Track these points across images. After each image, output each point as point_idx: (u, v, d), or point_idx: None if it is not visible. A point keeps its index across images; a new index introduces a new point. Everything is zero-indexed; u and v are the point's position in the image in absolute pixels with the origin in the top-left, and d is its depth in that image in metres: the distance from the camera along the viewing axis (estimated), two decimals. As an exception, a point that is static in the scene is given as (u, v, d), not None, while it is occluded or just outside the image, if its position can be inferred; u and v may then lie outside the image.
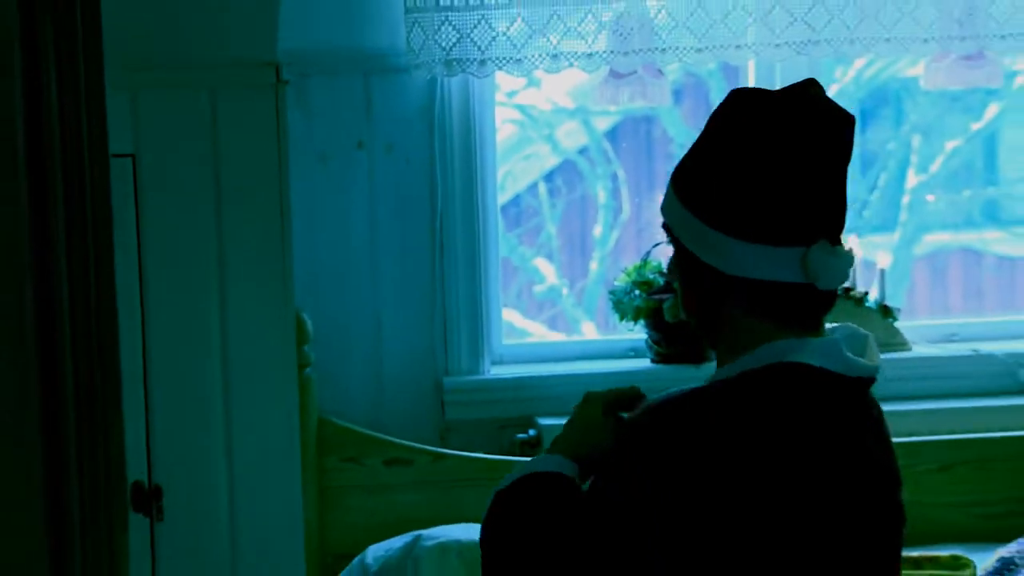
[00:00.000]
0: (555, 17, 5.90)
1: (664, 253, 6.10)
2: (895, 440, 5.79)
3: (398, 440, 6.25)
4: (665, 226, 3.54)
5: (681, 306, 3.64)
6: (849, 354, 3.40)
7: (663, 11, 5.95)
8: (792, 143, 3.40)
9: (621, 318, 6.24)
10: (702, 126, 5.67)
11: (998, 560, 5.31)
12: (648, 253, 6.27)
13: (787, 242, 3.35)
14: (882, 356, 5.84)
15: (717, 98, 6.34)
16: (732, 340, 3.48)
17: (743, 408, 3.37)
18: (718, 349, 3.57)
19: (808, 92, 3.45)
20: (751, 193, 3.39)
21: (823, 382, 3.38)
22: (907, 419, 6.11)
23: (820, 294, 3.37)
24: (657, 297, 6.08)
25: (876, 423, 3.61)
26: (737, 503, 3.23)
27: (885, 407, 5.96)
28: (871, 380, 3.47)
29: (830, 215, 3.39)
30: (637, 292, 6.08)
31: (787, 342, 3.40)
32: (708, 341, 3.73)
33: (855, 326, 3.54)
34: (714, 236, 3.39)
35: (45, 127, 2.49)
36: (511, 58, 5.92)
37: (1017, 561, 5.24)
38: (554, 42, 5.93)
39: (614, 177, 6.64)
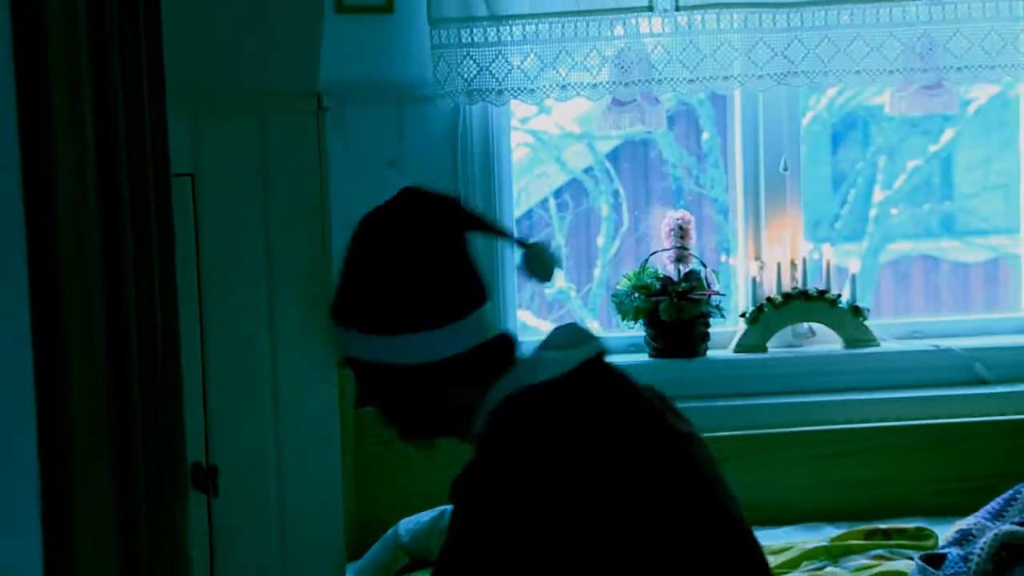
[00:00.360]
0: (564, 52, 5.89)
1: (660, 261, 6.20)
2: (871, 425, 5.98)
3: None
4: (351, 362, 3.58)
5: (402, 434, 3.61)
6: (554, 352, 3.38)
7: (659, 46, 5.92)
8: (421, 245, 3.46)
9: (623, 318, 6.22)
10: (694, 150, 5.56)
11: (957, 531, 5.23)
12: (646, 261, 6.20)
13: (459, 317, 3.41)
14: (853, 352, 6.08)
15: (706, 124, 6.45)
16: (459, 413, 3.45)
17: (544, 437, 3.30)
18: (454, 432, 3.51)
19: (409, 199, 3.54)
20: (411, 293, 3.40)
21: (576, 383, 3.36)
22: (875, 407, 6.20)
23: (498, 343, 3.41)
24: (654, 299, 6.01)
25: (669, 400, 3.52)
26: (583, 520, 3.13)
27: (856, 396, 6.12)
28: (601, 354, 3.40)
29: (476, 283, 3.42)
30: (636, 295, 6.03)
31: (504, 380, 3.40)
32: (440, 434, 3.60)
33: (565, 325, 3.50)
34: (403, 339, 3.41)
35: (114, 147, 2.48)
36: (525, 88, 5.89)
37: (974, 532, 5.15)
38: (563, 74, 5.90)
39: (615, 193, 6.61)
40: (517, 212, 6.14)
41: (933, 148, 6.66)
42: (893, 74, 6.01)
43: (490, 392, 3.41)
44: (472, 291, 3.44)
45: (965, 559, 4.97)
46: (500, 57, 5.91)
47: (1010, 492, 5.45)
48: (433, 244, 3.49)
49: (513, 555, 3.20)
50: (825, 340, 6.31)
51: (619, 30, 6.01)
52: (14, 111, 2.38)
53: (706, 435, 5.73)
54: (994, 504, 5.44)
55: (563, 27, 5.97)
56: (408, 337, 3.41)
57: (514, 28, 5.91)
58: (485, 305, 3.41)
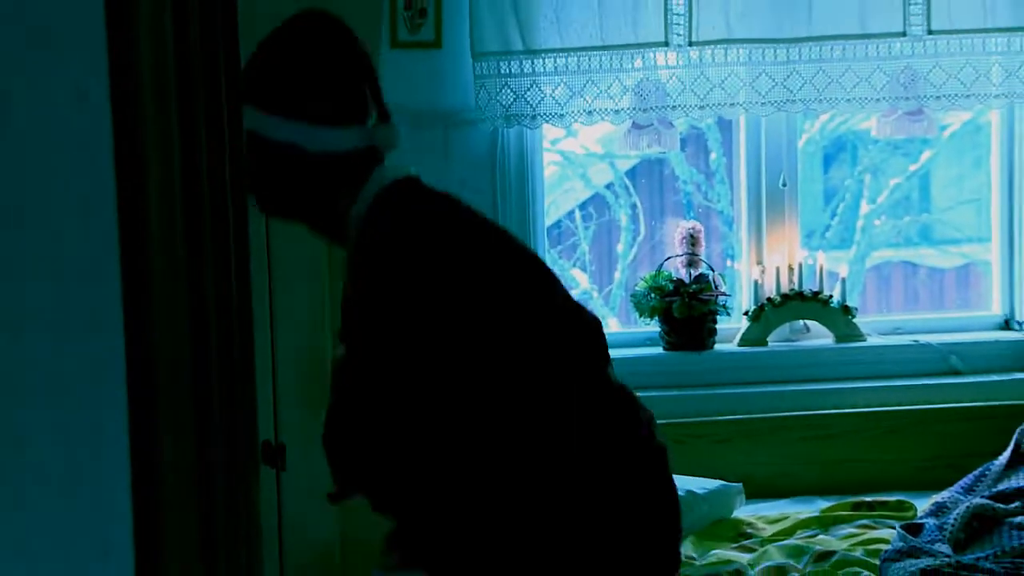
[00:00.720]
0: (590, 82, 5.88)
1: (673, 265, 6.21)
2: (858, 411, 6.07)
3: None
4: (255, 138, 3.50)
5: (260, 205, 3.67)
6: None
7: (673, 77, 5.92)
8: (328, 49, 3.62)
9: (640, 315, 6.20)
10: (703, 168, 5.46)
11: (933, 504, 5.25)
12: (661, 265, 6.21)
13: (343, 122, 3.52)
14: (843, 346, 6.12)
15: (714, 145, 6.46)
16: (328, 212, 3.57)
17: (416, 219, 3.53)
18: (322, 228, 3.67)
19: (325, 19, 3.65)
20: (313, 85, 3.53)
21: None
22: (862, 394, 6.19)
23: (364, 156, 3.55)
24: (668, 299, 6.02)
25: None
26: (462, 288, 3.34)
27: (845, 385, 6.21)
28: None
29: (362, 104, 3.58)
30: (652, 295, 6.01)
31: (377, 174, 3.56)
32: (298, 217, 3.68)
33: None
34: (294, 124, 3.48)
35: (197, 148, 2.45)
36: (555, 114, 5.89)
37: (949, 505, 5.17)
38: (589, 101, 5.89)
39: (633, 206, 6.59)
40: (548, 222, 6.22)
41: (913, 167, 6.66)
42: (879, 102, 6.01)
43: (359, 197, 3.53)
44: (357, 107, 3.59)
45: (940, 528, 4.99)
46: (534, 86, 5.90)
47: (980, 469, 5.52)
48: (341, 55, 3.62)
49: (415, 321, 3.34)
50: (818, 335, 6.29)
51: (638, 63, 5.99)
52: (110, 136, 2.28)
53: (713, 419, 5.91)
54: (966, 480, 5.50)
55: (589, 60, 5.94)
56: (298, 124, 3.48)
57: (546, 61, 5.89)
58: (364, 124, 3.56)
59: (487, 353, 3.36)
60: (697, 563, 5.08)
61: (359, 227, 3.54)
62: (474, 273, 3.44)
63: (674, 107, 6.03)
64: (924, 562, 4.59)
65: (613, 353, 5.96)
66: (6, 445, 2.34)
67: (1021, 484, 5.24)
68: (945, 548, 4.81)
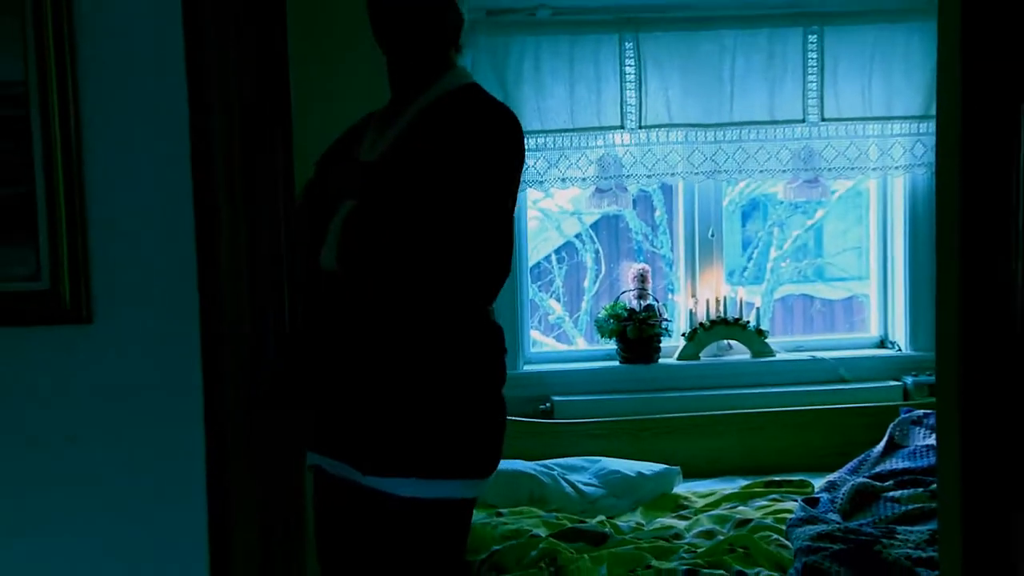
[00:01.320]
0: (563, 157, 5.96)
1: (626, 298, 6.21)
2: (770, 410, 6.08)
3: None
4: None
5: (401, 41, 3.40)
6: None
7: (627, 153, 6.00)
8: None
9: (601, 336, 6.20)
10: (650, 222, 5.50)
11: (826, 482, 5.34)
12: (618, 298, 6.23)
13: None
14: (758, 360, 6.13)
15: (659, 204, 6.51)
16: (434, 71, 3.42)
17: (490, 104, 3.40)
18: (412, 77, 3.42)
19: None
20: None
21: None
22: (773, 397, 6.15)
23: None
24: (623, 323, 6.06)
25: None
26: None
27: (760, 390, 6.19)
28: None
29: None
30: (611, 320, 6.07)
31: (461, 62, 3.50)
32: (427, 60, 3.43)
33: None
34: None
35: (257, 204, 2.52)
36: (537, 181, 5.96)
37: (838, 483, 5.27)
38: (562, 171, 5.97)
39: (596, 251, 6.61)
40: (531, 263, 6.19)
41: (809, 222, 6.71)
42: (784, 172, 6.13)
43: (456, 71, 3.43)
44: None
45: (832, 501, 5.10)
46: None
47: (862, 456, 5.62)
48: None
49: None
50: (738, 352, 6.31)
51: (600, 142, 6.01)
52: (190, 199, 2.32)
53: (658, 416, 5.90)
54: (852, 464, 5.59)
55: (563, 139, 5.98)
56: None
57: (530, 140, 5.78)
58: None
59: (494, 189, 3.31)
60: (645, 528, 5.07)
61: (459, 92, 3.38)
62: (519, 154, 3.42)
63: (627, 176, 6.07)
64: (819, 528, 4.61)
65: (580, 365, 6.18)
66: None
67: (893, 467, 5.31)
68: (835, 517, 4.86)
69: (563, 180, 6.05)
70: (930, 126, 6.04)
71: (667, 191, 6.44)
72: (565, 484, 5.48)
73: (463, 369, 3.31)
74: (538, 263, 6.45)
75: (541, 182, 6.02)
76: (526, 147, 5.66)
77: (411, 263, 3.25)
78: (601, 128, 6.00)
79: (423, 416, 3.22)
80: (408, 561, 3.30)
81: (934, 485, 4.80)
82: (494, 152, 3.35)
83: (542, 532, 4.90)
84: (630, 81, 5.99)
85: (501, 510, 5.30)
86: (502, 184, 3.34)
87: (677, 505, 5.44)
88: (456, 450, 3.24)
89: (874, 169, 6.21)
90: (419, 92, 3.36)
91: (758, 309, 6.43)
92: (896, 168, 6.23)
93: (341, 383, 3.27)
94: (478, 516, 5.05)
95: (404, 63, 3.37)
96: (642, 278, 6.26)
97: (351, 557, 3.42)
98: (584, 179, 6.06)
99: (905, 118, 6.13)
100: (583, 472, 5.61)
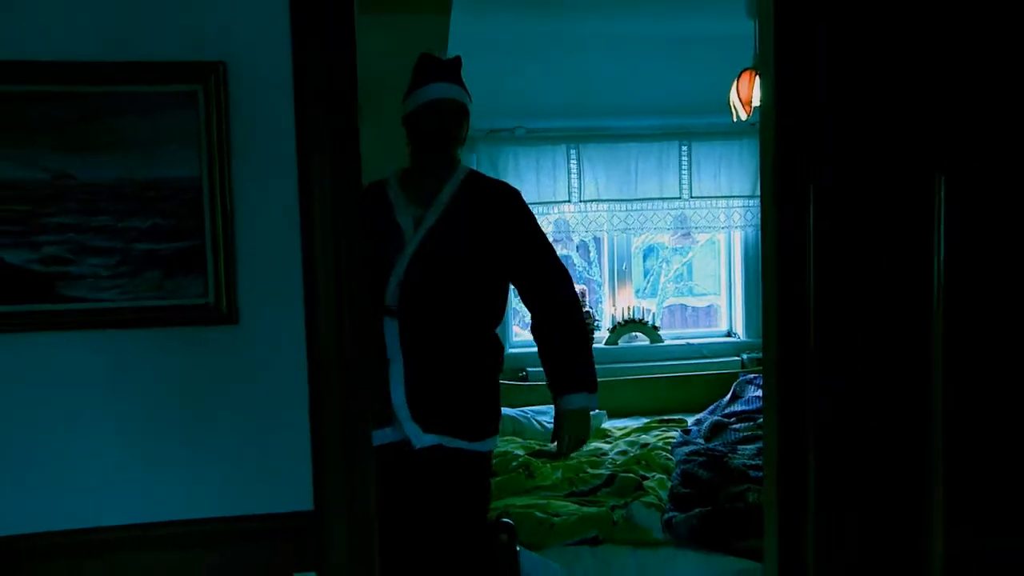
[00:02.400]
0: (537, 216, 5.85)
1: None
2: (664, 376, 6.02)
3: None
4: (463, 107, 3.20)
5: (455, 140, 3.21)
6: None
7: (572, 216, 6.01)
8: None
9: None
10: (587, 259, 5.43)
11: (695, 420, 5.47)
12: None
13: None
14: (655, 344, 6.08)
15: (593, 248, 6.37)
16: (454, 161, 3.22)
17: (502, 182, 3.32)
18: (444, 164, 3.19)
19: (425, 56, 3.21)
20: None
21: None
22: (664, 368, 6.17)
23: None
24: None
25: None
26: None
27: (656, 363, 6.14)
28: None
29: None
30: None
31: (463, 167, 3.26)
32: (448, 155, 3.20)
33: None
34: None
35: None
36: None
37: (702, 420, 5.38)
38: None
39: None
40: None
41: (684, 259, 6.59)
42: (669, 229, 6.18)
43: (461, 164, 3.24)
44: None
45: (699, 431, 5.21)
46: None
47: (716, 403, 5.66)
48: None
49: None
50: (641, 340, 6.26)
51: (555, 209, 6.00)
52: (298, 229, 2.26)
53: (598, 381, 5.71)
54: (710, 408, 5.66)
55: (535, 210, 5.27)
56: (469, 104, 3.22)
57: None
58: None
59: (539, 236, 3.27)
60: (584, 449, 4.83)
61: (467, 178, 3.22)
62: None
63: (572, 231, 6.10)
64: (691, 447, 4.73)
65: (536, 352, 5.75)
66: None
67: (735, 410, 5.36)
68: (700, 441, 4.98)
69: None
70: (756, 202, 6.03)
71: (597, 241, 6.41)
72: (535, 422, 5.53)
73: (498, 368, 3.30)
74: None
75: None
76: None
77: (476, 299, 3.19)
78: (556, 201, 6.00)
79: (489, 401, 3.25)
80: (482, 492, 3.31)
81: (760, 420, 4.85)
82: (529, 210, 3.38)
83: (520, 452, 4.96)
84: (574, 173, 5.99)
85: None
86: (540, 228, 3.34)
87: (604, 435, 5.47)
88: (496, 419, 3.28)
89: (723, 227, 6.23)
90: (447, 175, 3.17)
91: (653, 313, 6.39)
92: (736, 227, 6.24)
93: (444, 387, 3.15)
94: None
95: (443, 153, 3.17)
96: (582, 294, 6.15)
97: (421, 513, 3.22)
98: (547, 233, 5.86)
99: (741, 196, 6.17)
100: (545, 415, 5.59)
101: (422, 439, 3.14)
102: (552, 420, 5.29)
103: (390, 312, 3.08)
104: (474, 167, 5.66)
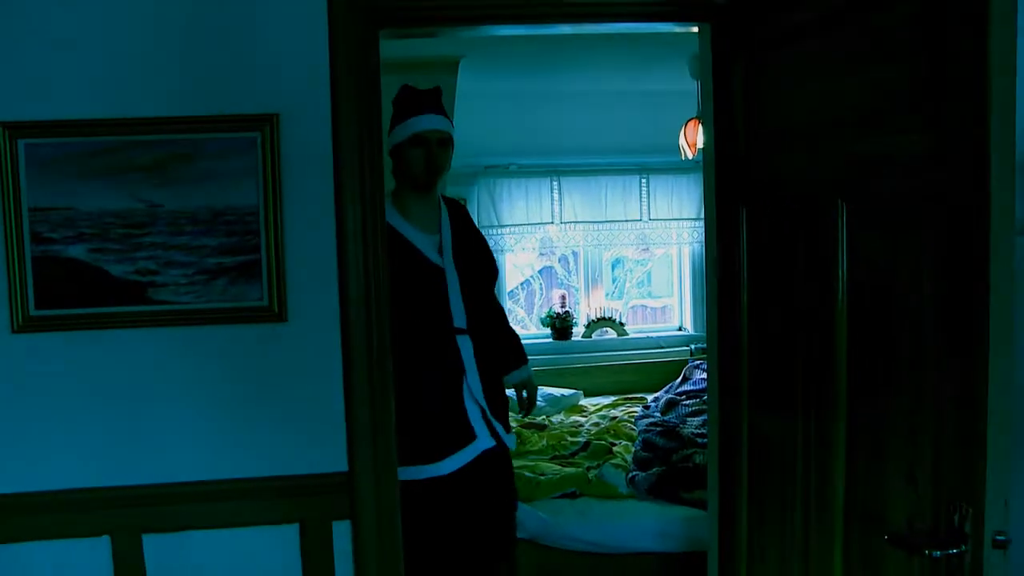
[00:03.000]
0: (523, 236, 5.90)
1: (554, 307, 6.09)
2: (627, 362, 5.85)
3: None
4: (448, 136, 2.85)
5: (441, 171, 2.85)
6: None
7: (555, 235, 5.94)
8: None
9: (544, 326, 6.11)
10: (567, 269, 5.38)
11: (653, 397, 5.36)
12: (551, 308, 6.15)
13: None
14: (623, 337, 5.93)
15: (572, 261, 6.25)
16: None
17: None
18: (433, 190, 2.86)
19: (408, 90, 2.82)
20: None
21: None
22: (629, 356, 6.07)
23: None
24: (553, 319, 6.06)
25: None
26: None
27: (623, 352, 6.02)
28: None
29: None
30: (547, 318, 6.05)
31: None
32: (434, 183, 2.85)
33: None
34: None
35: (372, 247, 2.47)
36: (511, 249, 5.85)
37: (660, 397, 5.29)
38: (523, 244, 5.87)
39: (541, 285, 6.37)
40: (508, 289, 6.06)
41: (644, 269, 6.48)
42: (632, 245, 6.12)
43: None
44: None
45: (656, 406, 5.12)
46: (502, 238, 5.83)
47: (670, 384, 5.55)
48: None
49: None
50: (611, 334, 6.14)
51: (542, 230, 5.91)
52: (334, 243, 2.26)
53: (572, 366, 5.70)
54: (665, 388, 5.53)
55: (523, 228, 5.89)
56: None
57: (506, 228, 5.82)
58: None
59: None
60: (565, 422, 5.04)
61: (444, 199, 2.97)
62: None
63: (555, 248, 6.02)
64: (649, 420, 4.71)
65: (534, 342, 5.84)
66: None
67: (686, 389, 5.26)
68: (657, 414, 4.93)
69: (523, 249, 5.96)
70: (700, 223, 5.81)
71: (575, 254, 6.33)
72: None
73: None
74: (512, 290, 6.23)
75: (512, 250, 5.92)
76: (508, 233, 5.77)
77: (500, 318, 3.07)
78: (541, 223, 5.93)
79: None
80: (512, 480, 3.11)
81: (705, 397, 4.54)
82: None
83: (513, 424, 4.68)
84: (555, 200, 5.92)
85: None
86: None
87: (581, 411, 5.40)
88: None
89: (676, 244, 6.18)
90: (434, 200, 2.93)
91: (619, 312, 6.33)
92: (686, 243, 6.18)
93: (502, 389, 3.00)
94: None
95: (431, 181, 2.85)
96: (563, 297, 6.24)
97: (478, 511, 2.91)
98: (534, 249, 5.99)
99: (689, 219, 6.10)
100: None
101: (509, 439, 2.99)
102: (540, 399, 5.29)
103: (462, 331, 2.82)
104: (475, 196, 5.73)
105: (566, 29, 2.49)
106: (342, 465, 2.31)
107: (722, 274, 2.41)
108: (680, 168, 5.89)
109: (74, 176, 2.18)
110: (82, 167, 2.18)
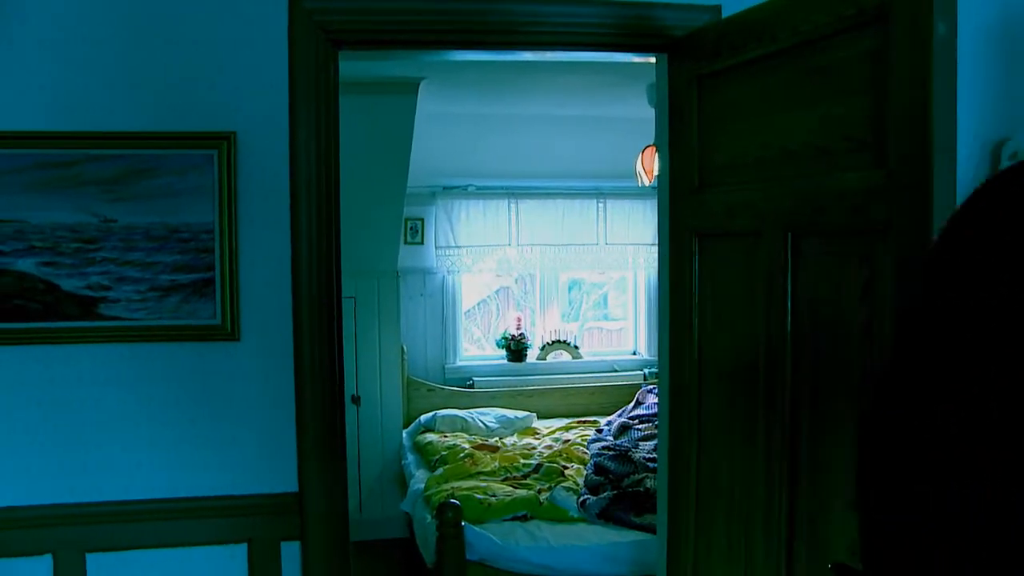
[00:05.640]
0: (480, 257, 5.88)
1: (510, 328, 6.03)
2: (582, 386, 5.68)
3: (430, 383, 5.75)
4: None
5: None
6: None
7: (513, 256, 5.92)
8: None
9: (498, 347, 6.11)
10: (525, 291, 5.32)
11: (606, 421, 5.42)
12: (507, 329, 6.14)
13: None
14: (576, 361, 5.89)
15: (529, 284, 6.19)
16: None
17: None
18: None
19: None
20: None
21: None
22: (583, 379, 6.10)
23: None
24: (509, 341, 6.03)
25: None
26: None
27: (576, 375, 5.96)
28: None
29: None
30: (503, 340, 6.07)
31: None
32: None
33: None
34: None
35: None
36: (468, 269, 5.87)
37: (612, 421, 5.32)
38: (480, 264, 5.88)
39: (498, 304, 6.36)
40: (464, 309, 6.06)
41: (601, 291, 6.48)
42: (589, 267, 6.15)
43: None
44: None
45: (609, 430, 5.13)
46: (459, 257, 5.85)
47: (623, 408, 5.57)
48: None
49: None
50: (565, 356, 6.18)
51: (499, 251, 5.90)
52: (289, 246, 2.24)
53: (525, 388, 5.64)
54: (618, 412, 5.53)
55: (482, 249, 5.86)
56: None
57: (463, 249, 5.82)
58: None
59: None
60: (518, 444, 5.08)
61: None
62: None
63: (512, 269, 6.03)
64: (602, 443, 4.71)
65: (488, 363, 5.88)
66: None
67: (639, 414, 5.29)
68: (610, 438, 4.94)
69: (480, 270, 5.97)
70: (654, 248, 6.02)
71: (532, 277, 6.35)
72: (480, 421, 5.48)
73: None
74: (469, 310, 6.22)
75: (470, 270, 5.91)
76: (466, 254, 5.70)
77: None
78: (499, 244, 5.95)
79: None
80: None
81: (656, 422, 4.90)
82: None
83: (466, 445, 4.94)
84: (513, 222, 5.94)
85: (447, 434, 5.27)
86: None
87: (534, 433, 5.44)
88: None
89: (630, 269, 6.23)
90: None
91: (574, 335, 6.33)
92: (641, 268, 6.24)
93: None
94: (435, 436, 5.18)
95: None
96: (518, 320, 6.24)
97: None
98: (491, 269, 6.00)
99: (644, 244, 6.12)
100: (488, 415, 5.56)
101: None
102: (493, 421, 5.40)
103: None
104: (432, 216, 5.77)
105: (526, 55, 2.51)
106: (292, 485, 2.31)
107: (673, 304, 2.42)
108: (637, 194, 5.90)
109: (23, 189, 2.15)
110: (32, 180, 2.16)
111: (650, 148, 4.92)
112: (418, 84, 4.36)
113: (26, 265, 2.18)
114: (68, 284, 2.21)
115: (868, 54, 1.71)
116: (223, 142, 2.22)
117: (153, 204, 2.21)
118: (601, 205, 6.07)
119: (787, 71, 1.96)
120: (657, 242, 2.57)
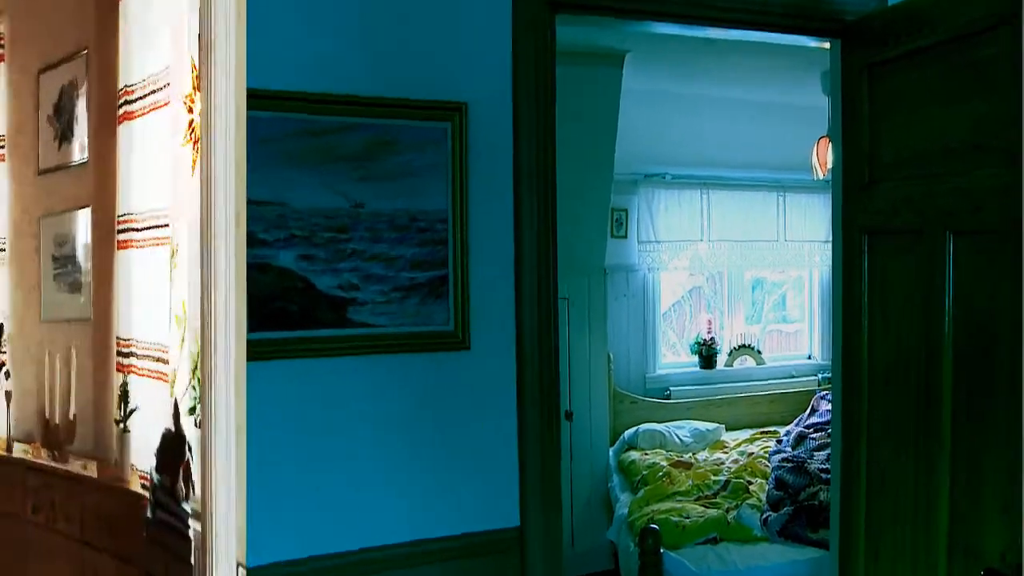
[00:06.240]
0: (676, 254, 5.69)
1: (703, 334, 5.92)
2: (765, 393, 6.25)
3: (633, 394, 5.50)
4: None
5: None
6: None
7: (704, 252, 5.76)
8: None
9: (692, 353, 5.90)
10: (715, 290, 4.96)
11: (785, 431, 5.19)
12: (698, 334, 5.94)
13: None
14: (758, 367, 6.17)
15: (718, 281, 6.06)
16: None
17: None
18: None
19: None
20: None
21: None
22: (767, 386, 5.94)
23: None
24: (700, 347, 5.86)
25: None
26: None
27: (760, 381, 6.56)
28: None
29: None
30: (696, 345, 5.86)
31: None
32: None
33: None
34: None
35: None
36: (664, 267, 5.68)
37: (791, 431, 5.15)
38: (675, 262, 5.69)
39: (690, 307, 6.15)
40: (662, 310, 5.83)
41: (780, 291, 6.34)
42: (771, 266, 5.97)
43: None
44: None
45: (788, 441, 4.96)
46: (658, 254, 5.64)
47: (799, 416, 5.43)
48: None
49: None
50: (751, 363, 6.06)
51: (691, 247, 5.71)
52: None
53: (718, 397, 5.53)
54: (795, 421, 5.40)
55: (675, 245, 5.66)
56: None
57: (662, 244, 5.62)
58: None
59: None
60: (708, 459, 5.02)
61: None
62: None
63: (704, 267, 5.86)
64: (782, 455, 4.60)
65: (684, 372, 5.76)
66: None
67: (814, 422, 5.14)
68: (788, 449, 4.75)
69: (676, 269, 5.78)
70: (828, 245, 5.60)
71: (720, 275, 6.12)
72: (676, 436, 5.38)
73: None
74: (666, 312, 5.97)
75: (666, 268, 5.70)
76: (663, 250, 5.52)
77: None
78: (691, 240, 5.74)
79: None
80: None
81: (829, 430, 4.44)
82: None
83: (664, 463, 4.87)
84: (705, 215, 5.73)
85: (647, 451, 5.17)
86: None
87: (722, 447, 5.35)
88: None
89: (809, 266, 6.08)
90: None
91: (757, 339, 6.17)
92: (816, 266, 6.07)
93: None
94: (637, 455, 5.03)
95: None
96: (708, 323, 6.05)
97: None
98: (685, 268, 5.82)
99: (819, 241, 5.97)
100: (684, 428, 5.45)
101: None
102: (688, 435, 5.31)
103: None
104: (635, 207, 5.51)
105: (716, 33, 2.38)
106: (514, 519, 2.04)
107: (845, 305, 2.34)
108: (812, 187, 5.66)
109: (281, 163, 1.80)
110: (289, 151, 1.81)
111: (824, 139, 4.70)
112: (623, 57, 3.98)
113: (287, 259, 1.82)
114: (322, 282, 1.86)
115: (1011, 53, 1.67)
116: (455, 114, 1.94)
117: (397, 185, 1.90)
118: (781, 198, 5.85)
119: (944, 64, 1.91)
120: (831, 239, 2.50)
